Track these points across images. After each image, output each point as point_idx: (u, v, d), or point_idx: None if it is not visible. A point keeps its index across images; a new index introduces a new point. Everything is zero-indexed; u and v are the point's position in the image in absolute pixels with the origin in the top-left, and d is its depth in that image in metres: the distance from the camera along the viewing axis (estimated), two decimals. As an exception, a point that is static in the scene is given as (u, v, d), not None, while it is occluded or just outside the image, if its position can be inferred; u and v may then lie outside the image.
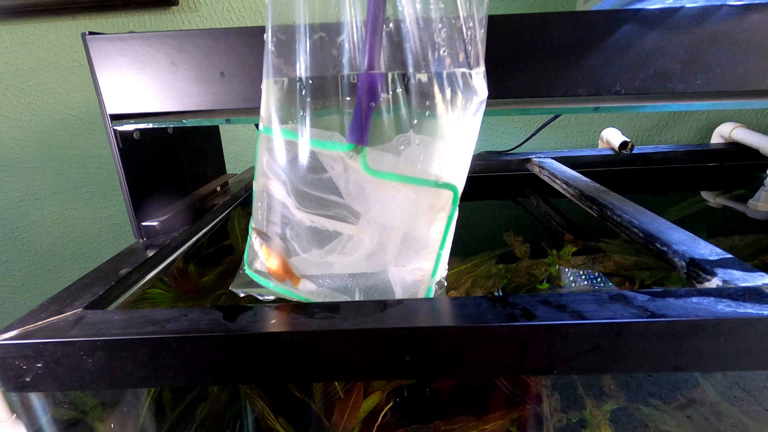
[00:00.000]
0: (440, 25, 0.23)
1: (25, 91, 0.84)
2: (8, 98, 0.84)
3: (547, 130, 0.78)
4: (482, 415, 0.43)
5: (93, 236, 0.95)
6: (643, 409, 0.45)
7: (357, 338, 0.24)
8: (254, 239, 0.28)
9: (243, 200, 0.61)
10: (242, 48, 0.34)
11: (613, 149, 0.73)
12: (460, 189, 0.25)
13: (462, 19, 0.23)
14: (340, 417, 0.42)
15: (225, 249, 0.55)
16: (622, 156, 0.71)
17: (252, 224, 0.28)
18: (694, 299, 0.25)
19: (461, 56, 0.23)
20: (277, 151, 0.25)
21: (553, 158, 0.70)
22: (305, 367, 0.25)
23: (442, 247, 0.26)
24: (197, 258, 0.49)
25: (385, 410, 0.43)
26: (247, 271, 0.29)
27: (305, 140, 0.24)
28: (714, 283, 0.28)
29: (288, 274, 0.27)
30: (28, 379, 0.25)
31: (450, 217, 0.25)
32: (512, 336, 0.24)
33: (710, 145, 0.77)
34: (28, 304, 1.02)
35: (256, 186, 0.27)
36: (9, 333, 0.25)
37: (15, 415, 0.53)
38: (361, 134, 0.23)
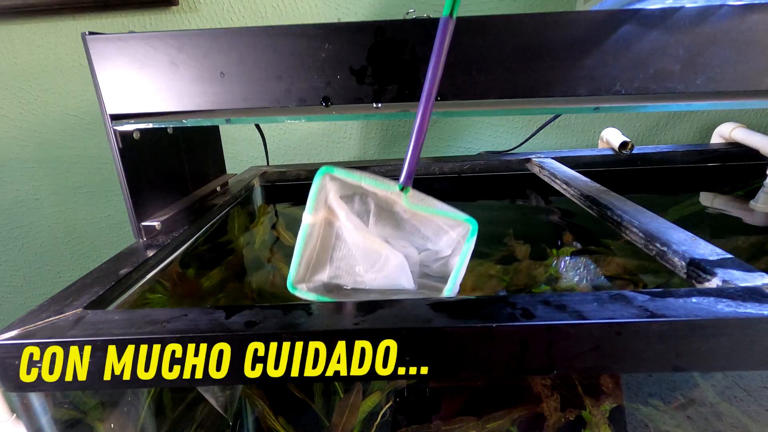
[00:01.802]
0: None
1: (25, 91, 0.84)
2: (8, 98, 0.84)
3: (547, 130, 0.77)
4: (482, 415, 0.43)
5: (93, 236, 0.95)
6: (643, 409, 0.45)
7: (357, 338, 0.24)
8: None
9: (243, 200, 0.61)
10: (242, 48, 0.34)
11: (613, 149, 0.73)
12: (476, 229, 0.30)
13: None
14: (340, 417, 0.42)
15: (225, 249, 0.55)
16: (622, 156, 0.71)
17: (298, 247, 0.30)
18: (694, 299, 0.25)
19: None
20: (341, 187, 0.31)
21: (553, 158, 0.70)
22: (305, 367, 0.25)
23: (458, 268, 0.30)
24: (197, 259, 0.49)
25: (384, 410, 0.43)
26: (291, 288, 0.30)
27: (363, 180, 0.30)
28: (714, 283, 0.28)
29: None
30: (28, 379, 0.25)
31: (467, 244, 0.29)
32: (512, 336, 0.24)
33: (710, 145, 0.77)
34: (28, 304, 1.02)
35: (312, 218, 0.30)
36: (9, 333, 0.25)
37: (15, 415, 0.53)
38: (408, 178, 0.30)
